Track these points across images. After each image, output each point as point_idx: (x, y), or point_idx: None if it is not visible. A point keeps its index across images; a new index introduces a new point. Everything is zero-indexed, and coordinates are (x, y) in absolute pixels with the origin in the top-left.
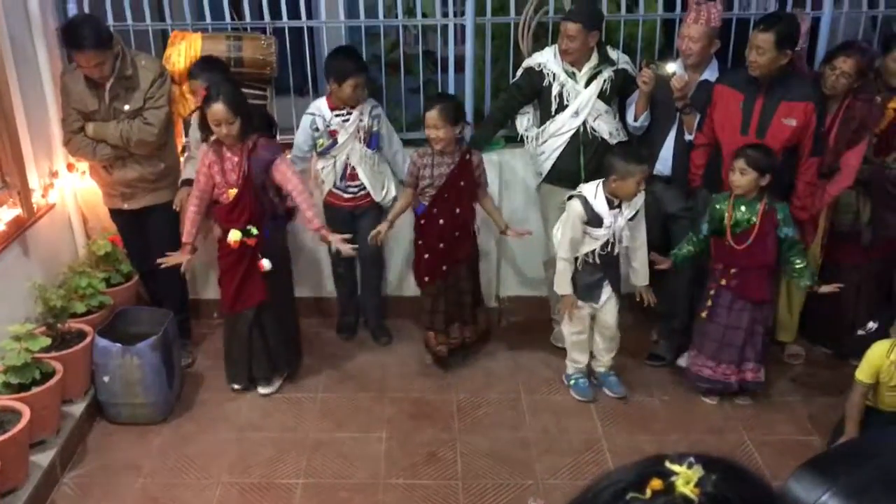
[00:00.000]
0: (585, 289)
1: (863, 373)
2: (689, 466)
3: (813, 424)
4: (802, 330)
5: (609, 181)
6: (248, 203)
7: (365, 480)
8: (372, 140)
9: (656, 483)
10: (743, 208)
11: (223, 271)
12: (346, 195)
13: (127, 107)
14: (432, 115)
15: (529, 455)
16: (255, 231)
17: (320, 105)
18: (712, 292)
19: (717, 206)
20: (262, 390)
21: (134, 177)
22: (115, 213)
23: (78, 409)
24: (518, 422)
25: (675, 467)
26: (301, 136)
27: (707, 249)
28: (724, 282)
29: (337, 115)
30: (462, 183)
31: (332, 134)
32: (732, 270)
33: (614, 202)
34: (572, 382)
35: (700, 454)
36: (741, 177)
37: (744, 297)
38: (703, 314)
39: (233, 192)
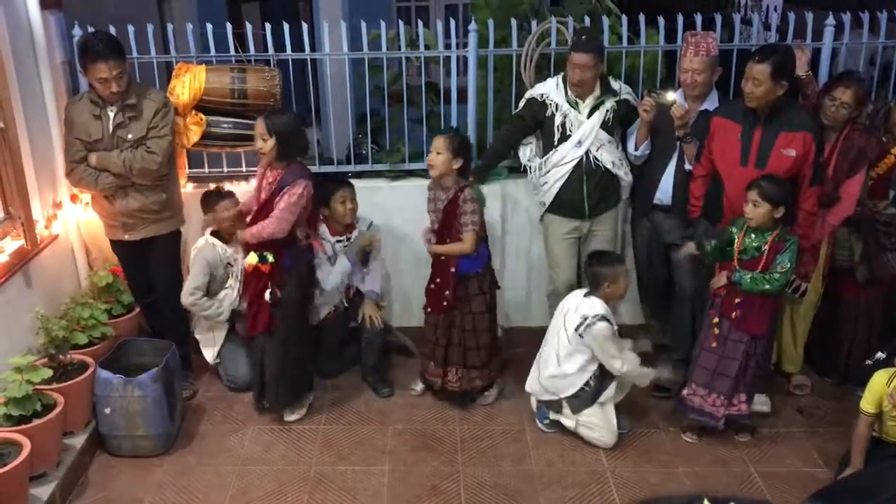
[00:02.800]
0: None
1: (866, 402)
2: None
3: (819, 455)
4: (808, 361)
5: (602, 290)
6: None
7: None
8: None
9: None
10: (753, 236)
11: (249, 294)
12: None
13: (130, 136)
14: (437, 139)
15: (534, 488)
16: (270, 257)
17: (324, 231)
18: (716, 320)
19: (729, 229)
20: (286, 417)
21: (136, 207)
22: (116, 245)
23: (79, 441)
24: (522, 454)
25: None
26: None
27: (731, 251)
28: (733, 314)
29: (338, 241)
30: (453, 221)
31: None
32: (737, 300)
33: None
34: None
35: (741, 498)
36: (754, 208)
37: (742, 330)
38: (714, 344)
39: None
